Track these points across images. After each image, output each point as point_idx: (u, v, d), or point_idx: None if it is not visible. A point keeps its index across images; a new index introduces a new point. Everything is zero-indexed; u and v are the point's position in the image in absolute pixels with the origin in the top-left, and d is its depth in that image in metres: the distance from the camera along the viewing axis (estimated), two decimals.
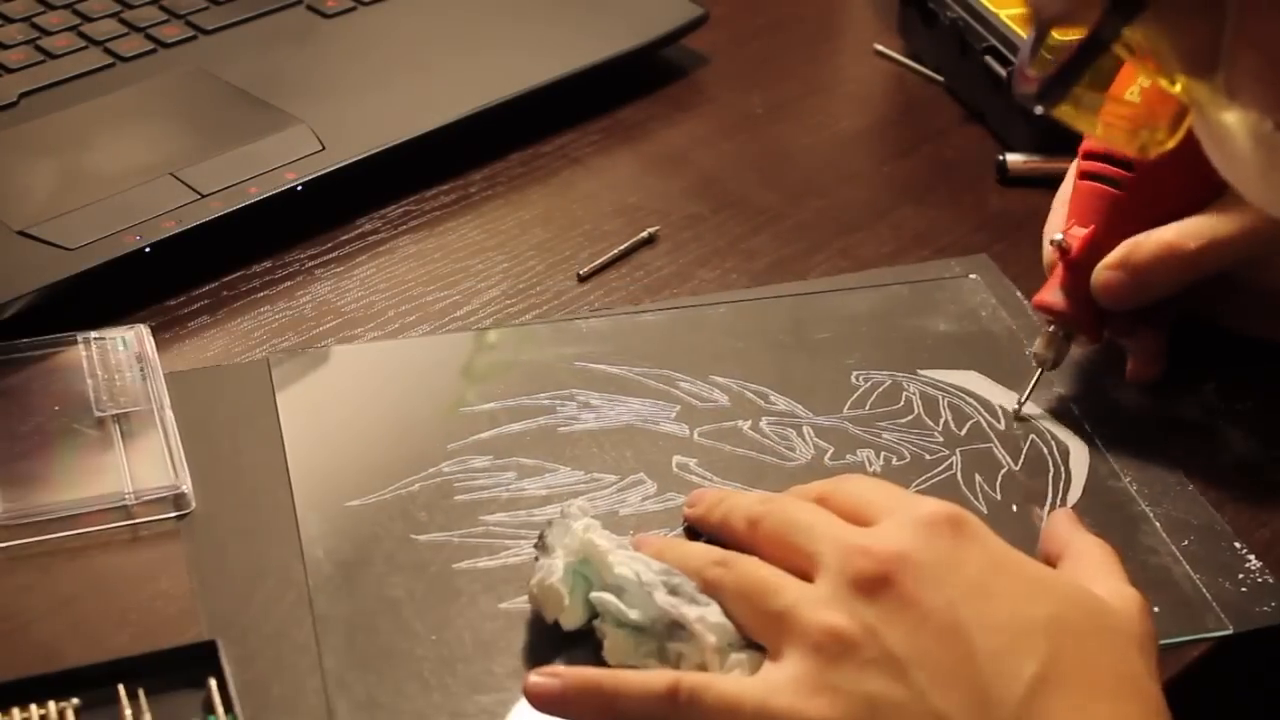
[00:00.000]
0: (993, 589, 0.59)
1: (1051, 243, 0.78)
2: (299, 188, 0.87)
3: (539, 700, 0.60)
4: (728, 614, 0.63)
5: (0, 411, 0.75)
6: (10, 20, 0.98)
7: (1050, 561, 0.66)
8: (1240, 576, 0.70)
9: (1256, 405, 0.78)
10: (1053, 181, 0.85)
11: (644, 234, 0.89)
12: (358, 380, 0.79)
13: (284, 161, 0.88)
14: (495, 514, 0.71)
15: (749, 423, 0.77)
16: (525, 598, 0.66)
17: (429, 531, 0.70)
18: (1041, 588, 0.60)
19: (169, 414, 0.74)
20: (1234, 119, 0.52)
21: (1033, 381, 0.78)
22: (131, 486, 0.71)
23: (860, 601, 0.59)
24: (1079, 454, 0.76)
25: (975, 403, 0.78)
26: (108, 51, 0.97)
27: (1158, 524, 0.72)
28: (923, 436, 0.76)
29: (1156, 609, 0.64)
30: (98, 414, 0.75)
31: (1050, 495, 0.74)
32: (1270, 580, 0.70)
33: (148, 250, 0.82)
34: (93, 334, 0.78)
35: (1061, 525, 0.68)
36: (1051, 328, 0.78)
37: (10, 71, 0.94)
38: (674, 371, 0.79)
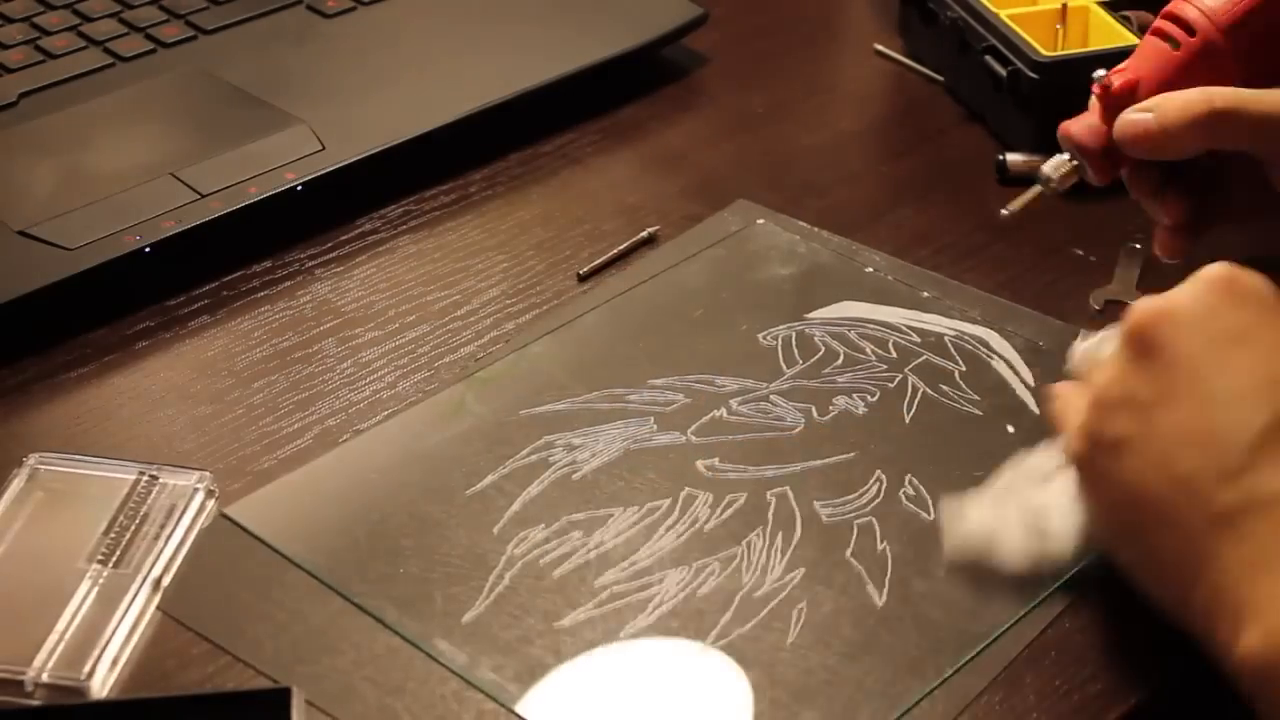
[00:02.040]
0: (1250, 340, 0.62)
1: (1093, 77, 0.78)
2: (299, 188, 0.87)
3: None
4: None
5: None
6: (10, 20, 0.98)
7: None
8: None
9: None
10: None
11: (644, 234, 0.89)
12: (338, 500, 0.73)
13: (284, 161, 0.88)
14: (604, 574, 0.69)
15: (723, 411, 0.77)
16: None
17: (567, 612, 0.68)
18: None
19: (148, 589, 0.67)
20: None
21: (1029, 195, 0.80)
22: (39, 664, 0.64)
23: (1124, 361, 0.63)
24: (998, 343, 0.81)
25: (878, 325, 0.82)
26: (108, 51, 0.97)
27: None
28: (869, 371, 0.80)
29: None
30: (79, 564, 0.68)
31: (1007, 378, 0.79)
32: None
33: (148, 250, 0.82)
34: (152, 469, 0.71)
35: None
36: (1066, 155, 0.79)
37: (10, 71, 0.94)
38: (613, 388, 0.79)
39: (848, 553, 0.70)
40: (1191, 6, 0.78)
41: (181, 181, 0.86)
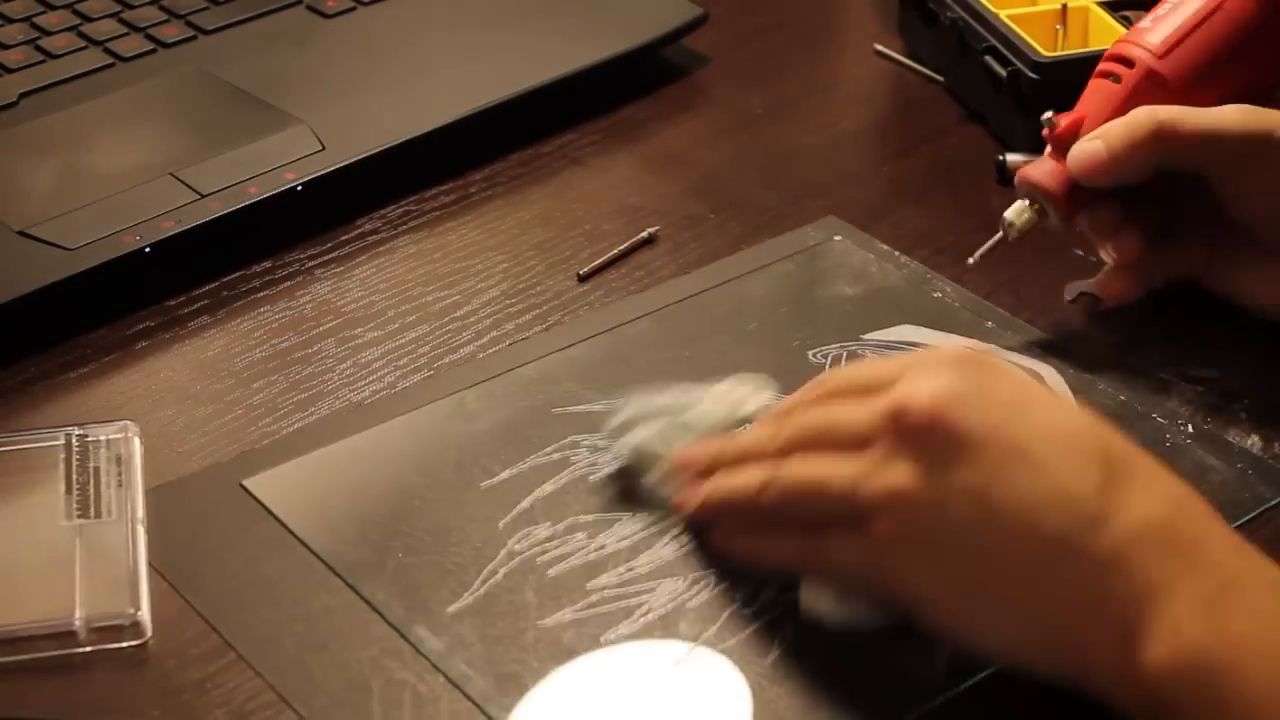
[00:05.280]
0: (1030, 405, 0.62)
1: (1041, 120, 0.80)
2: (299, 188, 0.87)
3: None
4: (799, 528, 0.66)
5: None
6: (10, 20, 0.98)
7: None
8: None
9: (1255, 404, 0.79)
10: None
11: (644, 234, 0.89)
12: (355, 481, 0.74)
13: (284, 161, 0.88)
14: (599, 578, 0.69)
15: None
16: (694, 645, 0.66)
17: (550, 612, 0.67)
18: (1067, 405, 0.66)
19: (141, 530, 0.69)
20: None
21: (991, 241, 0.81)
22: (83, 612, 0.65)
23: (916, 454, 0.61)
24: (1053, 379, 0.78)
25: None
26: (108, 51, 0.97)
27: (1158, 418, 0.76)
28: None
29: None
30: (63, 522, 0.69)
31: None
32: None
33: (148, 250, 0.82)
34: (77, 430, 0.73)
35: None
36: (1028, 201, 0.80)
37: (10, 71, 0.95)
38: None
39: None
40: (1125, 43, 0.81)
41: (181, 181, 0.86)
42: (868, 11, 1.13)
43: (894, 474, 0.62)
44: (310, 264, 0.86)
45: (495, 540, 0.70)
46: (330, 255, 0.87)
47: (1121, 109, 0.79)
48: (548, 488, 0.73)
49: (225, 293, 0.84)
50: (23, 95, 0.93)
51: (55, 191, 0.86)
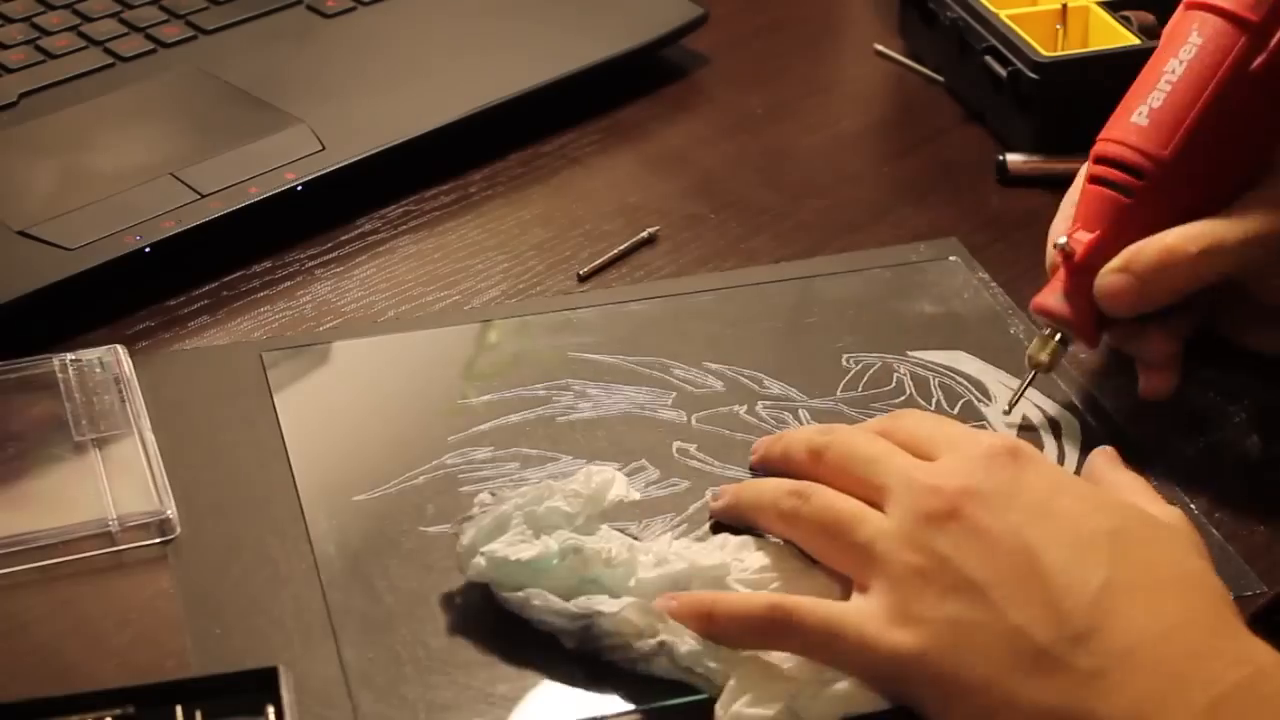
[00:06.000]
0: (1054, 509, 0.62)
1: (1055, 246, 0.76)
2: (299, 188, 0.87)
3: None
4: (803, 545, 0.67)
5: None
6: (10, 20, 0.98)
7: None
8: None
9: (1255, 405, 0.78)
10: (1053, 181, 0.85)
11: (644, 234, 0.89)
12: (353, 375, 0.79)
13: (284, 161, 0.88)
14: (492, 499, 0.70)
15: (744, 407, 0.77)
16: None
17: (438, 523, 0.70)
18: (1099, 504, 0.64)
19: (150, 436, 0.73)
20: None
21: (1024, 383, 0.77)
22: (115, 513, 0.69)
23: (933, 534, 0.63)
24: (1071, 431, 0.77)
25: (965, 382, 0.79)
26: (108, 51, 0.97)
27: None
28: None
29: None
30: (76, 439, 0.73)
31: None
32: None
33: (148, 250, 0.82)
34: (69, 356, 0.77)
35: (1100, 461, 0.71)
36: (1048, 331, 0.77)
37: (10, 71, 0.94)
38: (667, 359, 0.80)
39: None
40: (1126, 149, 0.75)
41: (181, 181, 0.86)
42: (868, 11, 1.13)
43: (909, 551, 0.63)
44: (310, 264, 0.86)
45: (436, 450, 0.74)
46: (330, 255, 0.87)
47: (1137, 226, 0.75)
48: (514, 417, 0.76)
49: (225, 293, 0.84)
50: (23, 95, 0.93)
51: (55, 191, 0.86)
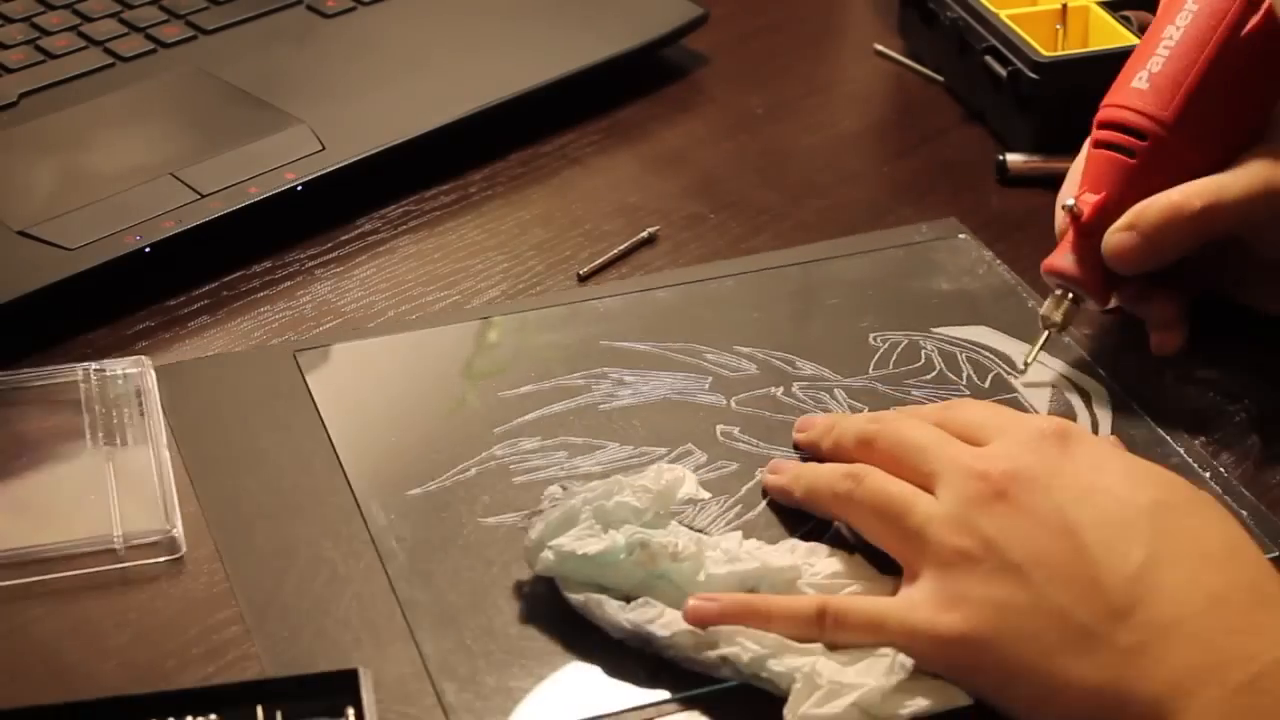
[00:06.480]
0: (1097, 487, 0.63)
1: (1064, 207, 0.78)
2: (299, 188, 0.87)
3: (698, 621, 0.64)
4: (856, 526, 0.68)
5: None
6: (10, 20, 0.98)
7: None
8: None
9: (1255, 405, 0.79)
10: (1053, 181, 0.85)
11: (644, 234, 0.89)
12: (390, 371, 0.79)
13: (284, 161, 0.88)
14: (552, 487, 0.70)
15: (781, 389, 0.78)
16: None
17: (494, 514, 0.70)
18: (1143, 478, 0.65)
19: (165, 452, 0.72)
20: None
21: (1039, 343, 0.79)
22: (120, 530, 0.69)
23: (980, 517, 0.64)
24: (1102, 399, 0.78)
25: (992, 355, 0.81)
26: (108, 51, 0.97)
27: (1190, 459, 0.75)
28: (950, 392, 0.78)
29: None
30: (91, 451, 0.73)
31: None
32: None
33: (148, 250, 0.82)
34: (93, 365, 0.77)
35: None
36: (1059, 291, 0.79)
37: (10, 71, 0.94)
38: (698, 344, 0.80)
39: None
40: (1129, 112, 0.78)
41: (181, 181, 0.86)
42: (868, 11, 1.13)
43: (958, 535, 0.64)
44: (310, 264, 0.86)
45: (484, 442, 0.74)
46: (330, 255, 0.87)
47: (1141, 187, 0.77)
48: (556, 407, 0.76)
49: (225, 293, 0.84)
50: (23, 95, 0.93)
51: (55, 191, 0.86)
